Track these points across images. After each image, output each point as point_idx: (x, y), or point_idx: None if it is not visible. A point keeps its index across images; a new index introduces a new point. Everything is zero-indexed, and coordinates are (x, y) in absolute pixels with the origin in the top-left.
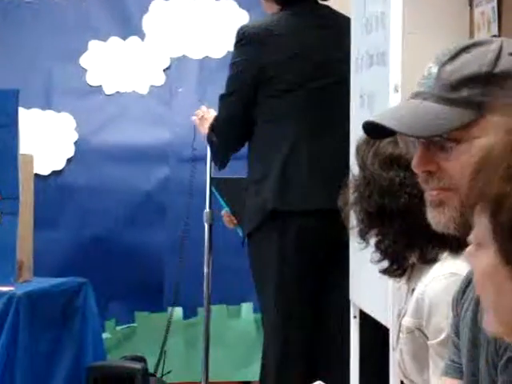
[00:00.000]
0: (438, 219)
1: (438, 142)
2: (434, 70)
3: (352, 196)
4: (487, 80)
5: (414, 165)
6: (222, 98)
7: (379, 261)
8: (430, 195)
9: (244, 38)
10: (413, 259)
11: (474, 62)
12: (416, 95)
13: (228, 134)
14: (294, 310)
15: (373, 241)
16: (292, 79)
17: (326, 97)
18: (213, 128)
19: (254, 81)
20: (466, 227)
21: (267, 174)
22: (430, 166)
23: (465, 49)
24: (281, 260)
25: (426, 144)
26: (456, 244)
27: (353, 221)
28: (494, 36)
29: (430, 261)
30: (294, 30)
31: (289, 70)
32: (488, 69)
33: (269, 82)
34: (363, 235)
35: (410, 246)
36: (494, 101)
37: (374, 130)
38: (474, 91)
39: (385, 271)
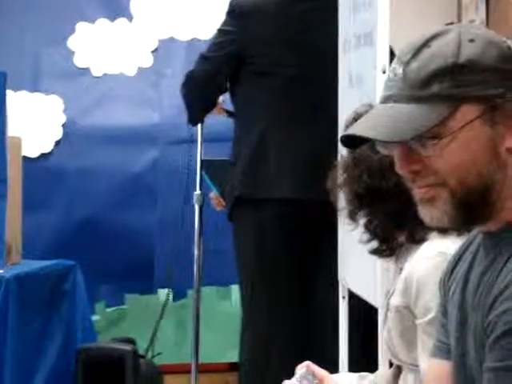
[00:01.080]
0: (430, 215)
1: (417, 142)
2: (399, 70)
3: (341, 177)
4: (454, 71)
5: (398, 168)
6: (200, 57)
7: (368, 241)
8: (418, 193)
9: (234, 11)
10: (401, 239)
11: (437, 56)
12: (386, 99)
13: (192, 92)
14: (275, 287)
15: (362, 222)
16: (272, 61)
17: (308, 81)
18: (185, 78)
19: (234, 55)
20: (458, 219)
21: (238, 159)
22: (413, 165)
23: (424, 44)
24: (256, 243)
25: (405, 145)
26: None
27: (341, 202)
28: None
29: (418, 240)
30: (282, 10)
31: (270, 52)
32: (453, 59)
33: (249, 61)
34: (353, 216)
35: (398, 226)
36: (465, 90)
37: (351, 141)
38: (443, 85)
39: (374, 251)
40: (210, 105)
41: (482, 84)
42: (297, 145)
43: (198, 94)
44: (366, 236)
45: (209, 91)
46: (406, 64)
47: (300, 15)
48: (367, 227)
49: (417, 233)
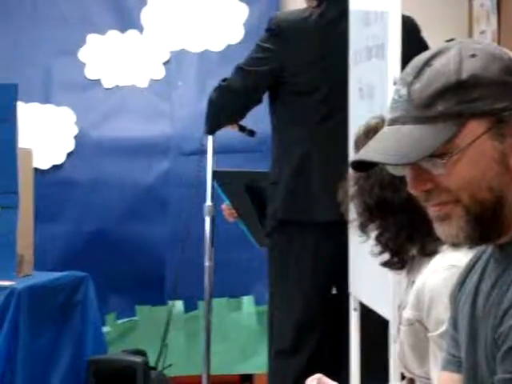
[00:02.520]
0: (446, 233)
1: (427, 161)
2: (404, 91)
3: (352, 189)
4: (458, 88)
5: (410, 188)
6: (238, 69)
7: (380, 253)
8: (433, 211)
9: (275, 29)
10: (413, 251)
11: (439, 74)
12: (393, 121)
13: (225, 102)
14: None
15: (373, 234)
16: (311, 80)
17: (345, 103)
18: (219, 87)
19: (272, 73)
20: (474, 235)
21: (279, 180)
22: (426, 185)
23: (426, 63)
24: (298, 263)
25: (415, 166)
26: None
27: (353, 214)
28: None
29: (430, 253)
30: (322, 30)
31: (309, 71)
32: (456, 76)
33: (288, 80)
34: (363, 229)
35: (410, 238)
36: (470, 106)
37: (361, 165)
38: (448, 103)
39: (386, 264)
40: (239, 118)
41: (487, 98)
42: (338, 165)
43: (233, 106)
44: (377, 248)
45: (245, 104)
46: (410, 85)
47: (339, 35)
48: (378, 240)
49: (428, 245)
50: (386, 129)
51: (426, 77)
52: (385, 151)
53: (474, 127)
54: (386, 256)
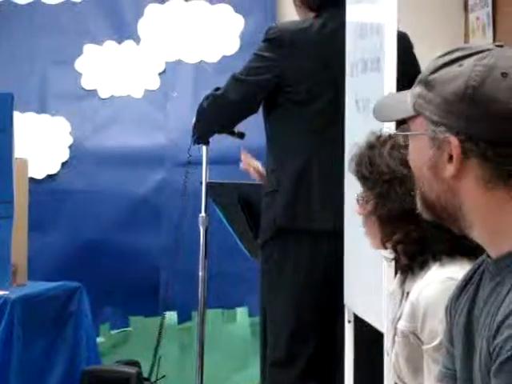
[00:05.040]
0: (418, 205)
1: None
2: None
3: (370, 203)
4: (424, 83)
5: None
6: (235, 79)
7: (395, 259)
8: None
9: (275, 39)
10: (405, 261)
11: (430, 65)
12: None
13: (218, 111)
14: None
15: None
16: (311, 90)
17: (344, 112)
18: (212, 96)
19: (271, 83)
20: (431, 218)
21: (278, 188)
22: (408, 155)
23: (454, 51)
24: (294, 273)
25: None
26: (454, 248)
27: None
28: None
29: (423, 264)
30: (321, 41)
31: (309, 81)
32: (427, 73)
33: (287, 89)
34: (385, 241)
35: (428, 244)
36: (420, 104)
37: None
38: (418, 91)
39: (401, 268)
40: (232, 127)
41: (432, 107)
42: (337, 174)
43: (227, 116)
44: (392, 254)
45: (240, 114)
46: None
47: (339, 46)
48: (396, 247)
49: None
50: None
51: (434, 63)
52: (379, 108)
53: (422, 124)
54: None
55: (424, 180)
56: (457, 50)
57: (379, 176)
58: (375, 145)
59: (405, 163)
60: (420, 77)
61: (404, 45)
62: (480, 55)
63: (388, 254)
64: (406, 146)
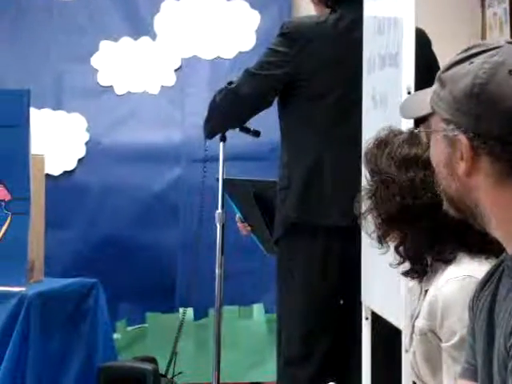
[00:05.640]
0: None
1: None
2: None
3: (368, 201)
4: (438, 81)
5: None
6: (248, 73)
7: (399, 264)
8: None
9: (290, 33)
10: (429, 258)
11: (450, 61)
12: None
13: (232, 106)
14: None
15: (392, 245)
16: (326, 84)
17: (357, 108)
18: (225, 91)
19: (286, 77)
20: (455, 214)
21: (291, 184)
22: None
23: (465, 50)
24: (307, 270)
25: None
26: (474, 245)
27: (369, 226)
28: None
29: (445, 261)
30: (335, 36)
31: (324, 76)
32: (443, 69)
33: (301, 84)
34: (382, 240)
35: (430, 244)
36: (435, 103)
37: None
38: (434, 88)
39: (407, 273)
40: (245, 121)
41: (444, 105)
42: (350, 171)
43: (241, 110)
44: (396, 259)
45: (254, 109)
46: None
47: (354, 41)
48: (398, 250)
49: (445, 253)
50: None
51: (450, 60)
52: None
53: (437, 122)
54: (405, 265)
55: (443, 177)
56: (473, 47)
57: (375, 175)
58: (381, 143)
59: (403, 164)
60: (437, 74)
61: (423, 41)
62: (490, 53)
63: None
64: (411, 145)
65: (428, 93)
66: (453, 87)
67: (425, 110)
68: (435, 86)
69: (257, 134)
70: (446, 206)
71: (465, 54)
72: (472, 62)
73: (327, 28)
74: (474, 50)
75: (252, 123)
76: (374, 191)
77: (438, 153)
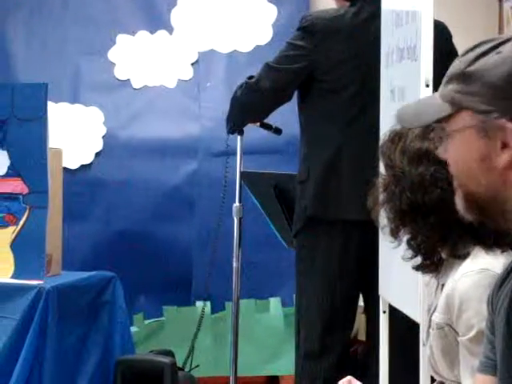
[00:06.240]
0: (458, 205)
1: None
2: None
3: (381, 195)
4: (461, 78)
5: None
6: (268, 67)
7: (412, 258)
8: None
9: (309, 27)
10: (443, 254)
11: (463, 59)
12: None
13: (253, 100)
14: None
15: (404, 238)
16: (344, 78)
17: (375, 102)
18: (246, 85)
19: (305, 71)
20: (474, 218)
21: (309, 177)
22: (444, 154)
23: (472, 48)
24: (326, 263)
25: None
26: (489, 239)
27: (383, 219)
28: None
29: (460, 256)
30: (354, 30)
31: (342, 69)
32: (464, 66)
33: (320, 78)
34: (395, 234)
35: (442, 240)
36: (463, 98)
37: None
38: (453, 87)
39: (418, 268)
40: (265, 116)
41: (479, 97)
42: (368, 163)
43: (261, 104)
44: (409, 253)
45: (274, 103)
46: (458, 59)
47: (373, 34)
48: (410, 243)
49: (459, 248)
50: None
51: (463, 58)
52: (403, 113)
53: (465, 118)
54: (418, 260)
55: (470, 175)
56: (482, 43)
57: (389, 169)
58: (395, 136)
59: (415, 159)
60: (450, 75)
61: (445, 35)
62: None
63: None
64: (424, 139)
65: (429, 99)
66: (486, 78)
67: (439, 113)
68: (454, 85)
69: (278, 131)
70: (462, 208)
71: (481, 50)
72: (499, 52)
73: (346, 21)
74: (489, 45)
75: (269, 117)
76: (387, 185)
77: (466, 150)
